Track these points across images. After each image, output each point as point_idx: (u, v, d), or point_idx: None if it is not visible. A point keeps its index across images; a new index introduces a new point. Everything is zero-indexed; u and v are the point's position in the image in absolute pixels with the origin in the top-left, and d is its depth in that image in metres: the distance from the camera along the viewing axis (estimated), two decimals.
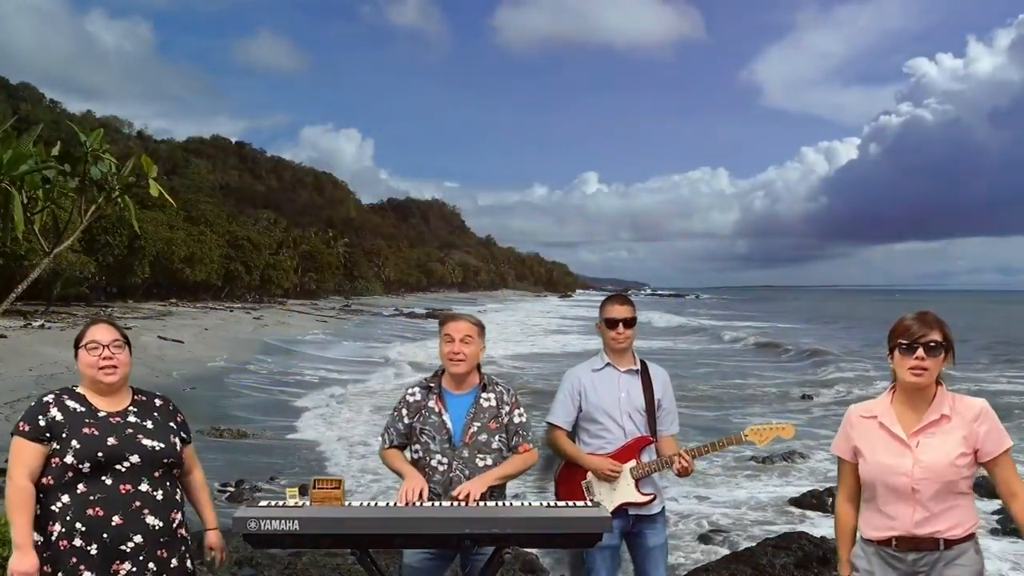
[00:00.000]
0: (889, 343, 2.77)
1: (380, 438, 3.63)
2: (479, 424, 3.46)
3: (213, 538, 3.14)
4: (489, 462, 3.44)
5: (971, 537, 2.72)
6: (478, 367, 3.56)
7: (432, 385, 3.55)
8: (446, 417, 3.46)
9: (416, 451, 3.50)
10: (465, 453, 3.43)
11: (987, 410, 2.73)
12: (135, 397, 3.03)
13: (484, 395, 3.51)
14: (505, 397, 3.54)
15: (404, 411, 3.54)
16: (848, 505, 2.91)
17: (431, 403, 3.50)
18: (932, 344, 2.67)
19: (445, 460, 3.42)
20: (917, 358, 2.67)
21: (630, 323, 3.76)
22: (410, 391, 3.60)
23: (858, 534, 2.87)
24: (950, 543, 2.68)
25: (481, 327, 3.54)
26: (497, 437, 3.48)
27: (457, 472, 3.41)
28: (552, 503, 3.31)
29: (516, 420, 3.52)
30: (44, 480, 2.83)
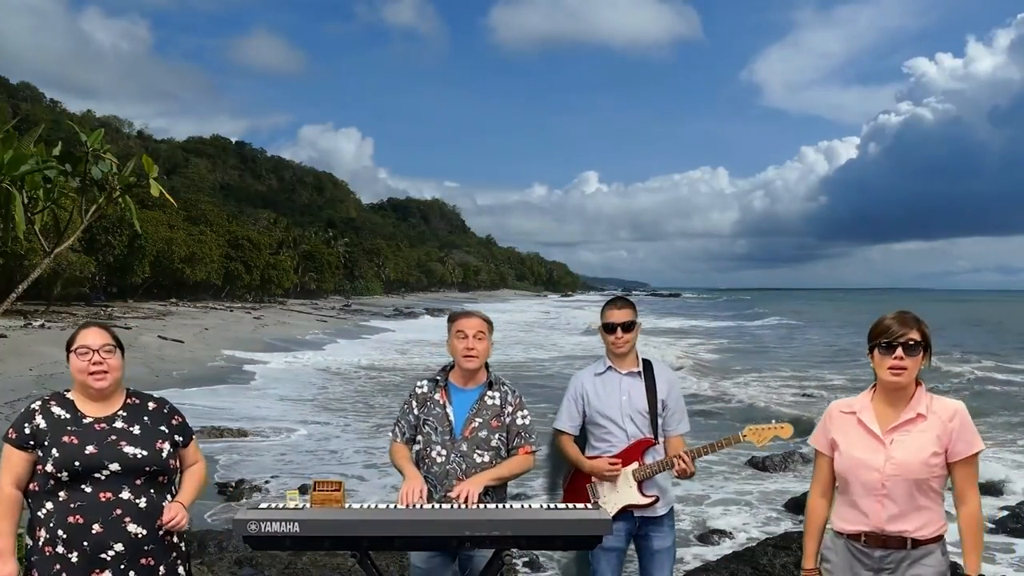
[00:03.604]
0: (869, 342, 2.80)
1: (391, 432, 3.67)
2: (481, 420, 3.50)
3: (172, 507, 2.88)
4: (487, 459, 3.47)
5: (939, 539, 2.75)
6: (486, 365, 3.61)
7: (439, 379, 3.61)
8: (449, 410, 3.52)
9: (419, 442, 3.55)
10: (464, 447, 3.46)
11: (963, 412, 2.76)
12: (127, 401, 2.97)
13: (489, 392, 3.56)
14: (509, 397, 3.58)
15: (414, 403, 3.60)
16: (821, 500, 2.93)
17: (436, 396, 3.56)
18: (911, 343, 2.70)
19: (444, 452, 3.47)
20: (896, 357, 2.70)
21: (628, 327, 3.75)
22: (419, 384, 3.66)
23: (829, 526, 2.89)
24: (918, 543, 2.71)
25: (491, 324, 3.61)
26: (497, 435, 3.51)
27: (454, 465, 3.45)
28: (552, 505, 3.31)
29: (519, 422, 3.55)
30: (31, 486, 2.81)
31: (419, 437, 3.55)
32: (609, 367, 3.81)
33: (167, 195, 4.66)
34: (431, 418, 3.52)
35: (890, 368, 2.71)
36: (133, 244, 45.73)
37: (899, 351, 2.70)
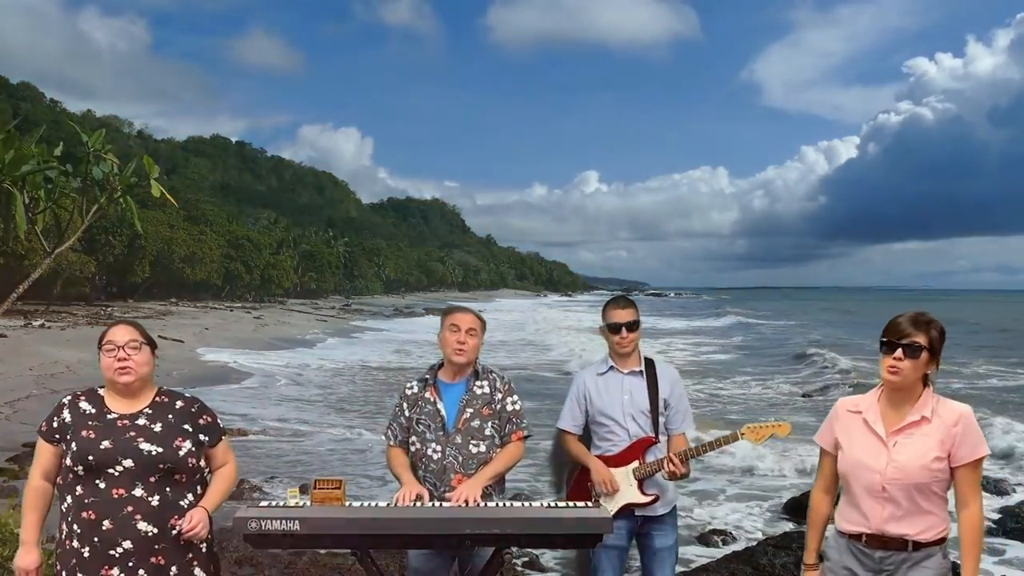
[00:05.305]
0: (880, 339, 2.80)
1: (384, 435, 3.68)
2: (472, 410, 3.51)
3: (194, 514, 2.86)
4: (482, 448, 3.48)
5: (941, 542, 2.74)
6: None
7: (428, 377, 3.63)
8: (440, 405, 3.53)
9: (413, 443, 3.55)
10: (458, 439, 3.47)
11: (968, 416, 2.74)
12: (156, 399, 2.97)
13: (478, 382, 3.57)
14: (498, 384, 3.59)
15: (404, 404, 3.61)
16: (824, 496, 2.95)
17: (427, 394, 3.58)
18: (911, 346, 2.69)
19: (439, 448, 3.48)
20: (895, 358, 2.70)
21: (633, 327, 3.76)
22: (408, 385, 3.68)
23: (833, 524, 2.90)
24: (919, 545, 2.71)
25: (484, 323, 3.62)
26: (490, 424, 3.52)
27: (451, 459, 3.45)
28: (553, 503, 3.32)
29: (510, 408, 3.57)
30: (59, 480, 2.89)
31: (413, 438, 3.55)
32: (611, 367, 3.82)
33: (168, 195, 4.68)
34: (424, 416, 3.53)
35: (888, 367, 2.72)
36: (133, 244, 45.78)
37: (899, 352, 2.70)
